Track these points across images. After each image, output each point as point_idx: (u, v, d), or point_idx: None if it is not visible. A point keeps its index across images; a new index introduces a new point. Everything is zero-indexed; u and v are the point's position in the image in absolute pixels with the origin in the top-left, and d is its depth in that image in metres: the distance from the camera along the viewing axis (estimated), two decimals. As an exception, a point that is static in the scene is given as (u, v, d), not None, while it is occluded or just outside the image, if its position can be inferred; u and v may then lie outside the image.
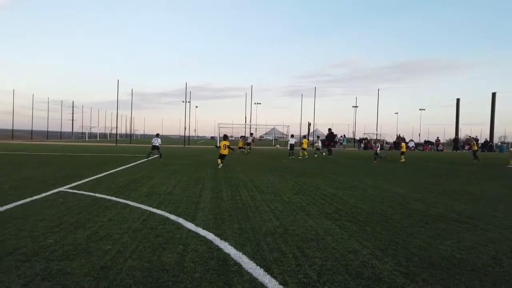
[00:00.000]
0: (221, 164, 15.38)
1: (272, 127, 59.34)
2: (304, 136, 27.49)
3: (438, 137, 54.97)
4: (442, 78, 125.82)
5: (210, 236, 4.93)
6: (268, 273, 3.64)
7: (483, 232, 5.60)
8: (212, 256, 4.13)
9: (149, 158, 19.75)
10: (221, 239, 4.77)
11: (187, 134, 46.78)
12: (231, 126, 50.02)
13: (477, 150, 26.99)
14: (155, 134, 21.02)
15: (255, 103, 59.58)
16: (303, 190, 9.47)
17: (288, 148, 24.53)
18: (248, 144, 29.46)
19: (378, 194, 9.15)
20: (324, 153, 27.90)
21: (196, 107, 75.37)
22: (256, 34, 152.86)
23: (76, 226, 5.32)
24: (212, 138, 75.66)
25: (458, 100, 58.80)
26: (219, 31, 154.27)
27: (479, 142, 52.34)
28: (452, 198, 8.79)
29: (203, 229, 5.29)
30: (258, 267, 3.80)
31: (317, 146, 29.57)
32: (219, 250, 4.35)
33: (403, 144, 26.02)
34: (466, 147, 51.96)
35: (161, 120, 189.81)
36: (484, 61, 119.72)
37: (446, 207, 7.54)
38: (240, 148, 27.80)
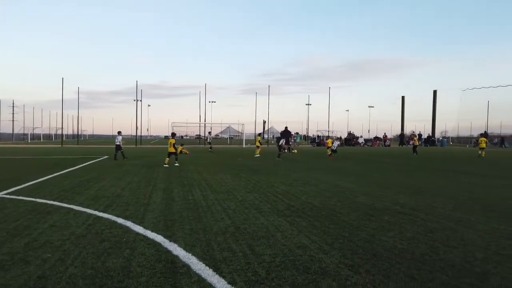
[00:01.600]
0: (166, 165, 15.31)
1: (228, 125, 59.23)
2: (259, 134, 27.49)
3: (385, 133, 57.70)
4: (389, 76, 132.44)
5: (158, 238, 4.82)
6: (217, 273, 3.62)
7: (423, 222, 5.94)
8: (160, 259, 4.03)
9: (127, 158, 19.31)
10: (170, 241, 4.68)
11: (139, 133, 45.45)
12: (186, 125, 49.29)
13: (417, 145, 29.00)
14: (116, 132, 20.65)
15: (209, 102, 59.16)
16: (257, 188, 9.54)
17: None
18: (209, 143, 29.82)
19: (328, 189, 9.41)
20: (293, 151, 27.60)
21: (149, 105, 73.22)
22: (212, 32, 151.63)
23: (13, 234, 4.97)
24: (166, 137, 74.07)
25: (403, 97, 62.03)
26: (174, 28, 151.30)
27: (422, 137, 55.64)
28: (397, 191, 9.25)
29: (152, 231, 5.16)
30: (207, 268, 3.77)
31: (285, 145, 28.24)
32: (168, 252, 4.26)
33: (329, 141, 25.43)
34: (411, 142, 54.99)
35: (111, 120, 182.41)
36: (426, 61, 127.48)
37: (391, 200, 7.91)
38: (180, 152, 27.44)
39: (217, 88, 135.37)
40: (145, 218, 5.97)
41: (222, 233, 5.11)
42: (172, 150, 15.79)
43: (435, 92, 58.86)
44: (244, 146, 40.37)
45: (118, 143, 19.62)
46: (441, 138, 59.53)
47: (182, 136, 35.30)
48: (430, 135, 57.75)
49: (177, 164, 15.52)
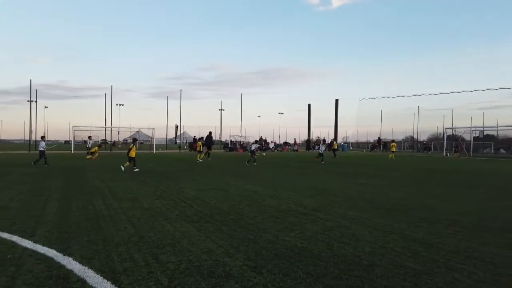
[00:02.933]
0: (123, 167, 15.87)
1: (137, 129, 56.62)
2: (200, 139, 26.44)
3: (295, 139, 60.85)
4: (298, 85, 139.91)
5: (51, 253, 4.40)
6: (115, 285, 3.44)
7: (323, 222, 6.39)
8: (51, 275, 3.69)
9: (48, 165, 17.53)
10: (64, 255, 4.30)
11: (33, 138, 40.95)
12: (90, 129, 45.74)
13: (336, 148, 32.12)
14: (40, 137, 19.12)
15: (117, 104, 56.00)
16: (165, 194, 9.29)
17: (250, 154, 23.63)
18: (88, 148, 28.09)
19: (238, 193, 9.58)
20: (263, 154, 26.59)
21: (46, 107, 66.62)
22: (118, 32, 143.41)
23: None
24: (67, 142, 67.91)
25: (309, 105, 66.06)
26: (75, 25, 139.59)
27: (326, 142, 59.82)
28: (301, 193, 9.80)
29: (43, 245, 4.69)
30: (105, 280, 3.56)
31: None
32: (61, 267, 3.92)
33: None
34: (316, 147, 58.72)
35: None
36: (330, 71, 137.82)
37: (295, 202, 8.35)
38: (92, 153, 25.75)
39: (125, 91, 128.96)
40: (36, 232, 5.40)
41: (124, 243, 4.87)
42: (133, 155, 16.25)
43: (337, 100, 63.80)
44: (154, 151, 39.00)
45: (42, 149, 18.12)
46: (342, 143, 64.58)
47: (85, 141, 32.30)
48: (333, 140, 62.35)
49: (136, 169, 15.77)
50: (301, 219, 6.58)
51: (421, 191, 10.78)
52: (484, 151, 51.66)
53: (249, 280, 3.62)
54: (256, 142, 25.39)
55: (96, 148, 26.38)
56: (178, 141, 58.06)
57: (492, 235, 5.57)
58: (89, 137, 30.57)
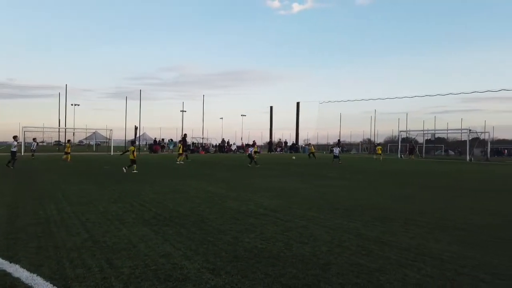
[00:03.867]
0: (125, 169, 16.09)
1: (94, 131, 54.52)
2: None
3: (254, 141, 61.09)
4: (260, 87, 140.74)
5: (-5, 260, 4.13)
6: (66, 293, 3.29)
7: (282, 222, 6.47)
8: (-6, 284, 3.47)
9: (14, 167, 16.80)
10: (10, 262, 4.06)
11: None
12: (42, 130, 43.61)
13: (313, 152, 34.47)
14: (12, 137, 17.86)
15: (72, 104, 53.74)
16: (122, 197, 9.01)
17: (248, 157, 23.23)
18: (33, 150, 26.76)
19: (198, 195, 9.48)
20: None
21: (-6, 107, 62.63)
22: (73, 28, 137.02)
23: None
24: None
25: (271, 107, 66.75)
26: (23, 18, 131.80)
27: (288, 144, 60.71)
28: (262, 194, 9.87)
29: (-13, 253, 4.40)
30: (55, 288, 3.39)
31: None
32: (7, 275, 3.69)
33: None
34: (278, 149, 59.45)
35: None
36: (292, 74, 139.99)
37: (256, 204, 8.39)
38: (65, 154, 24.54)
39: (81, 90, 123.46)
40: (-21, 239, 5.05)
41: (76, 248, 4.67)
42: (132, 157, 16.40)
43: (298, 103, 64.93)
44: (112, 153, 37.74)
45: (14, 150, 17.36)
46: (304, 145, 65.76)
47: (37, 143, 30.47)
48: (295, 142, 63.35)
49: (135, 171, 15.86)
50: (261, 220, 6.62)
51: (377, 191, 11.20)
52: (435, 153, 54.58)
53: (206, 282, 3.59)
54: (254, 144, 25.05)
55: (69, 147, 25.55)
56: (137, 142, 56.52)
57: (442, 233, 5.89)
58: (34, 139, 28.93)
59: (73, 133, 46.08)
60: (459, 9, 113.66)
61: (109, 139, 42.72)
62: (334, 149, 29.83)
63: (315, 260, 4.36)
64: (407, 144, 48.40)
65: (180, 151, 24.82)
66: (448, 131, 51.19)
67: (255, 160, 22.32)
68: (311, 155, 34.12)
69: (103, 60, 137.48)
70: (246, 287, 3.51)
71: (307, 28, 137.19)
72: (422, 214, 7.47)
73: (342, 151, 53.42)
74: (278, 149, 59.99)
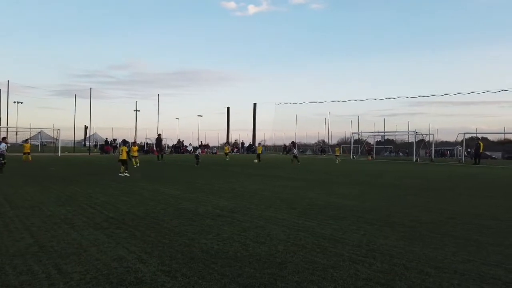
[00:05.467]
0: (126, 173, 15.04)
1: (39, 130, 51.40)
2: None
3: (203, 142, 60.76)
4: (217, 87, 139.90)
5: None
6: (9, 302, 3.08)
7: (239, 223, 6.47)
8: None
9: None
10: None
11: None
12: (-19, 129, 40.38)
13: (260, 153, 32.68)
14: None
15: (14, 102, 50.42)
16: (71, 200, 8.58)
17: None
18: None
19: (153, 197, 9.25)
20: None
21: None
22: (16, 20, 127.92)
23: None
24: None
25: (228, 108, 66.79)
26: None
27: (245, 145, 60.90)
28: (219, 196, 9.82)
29: None
30: (-4, 297, 3.16)
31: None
32: None
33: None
34: (235, 150, 59.49)
35: None
36: (249, 76, 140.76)
37: (213, 205, 8.33)
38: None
39: (24, 87, 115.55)
40: None
41: (20, 254, 4.38)
42: (124, 157, 15.26)
43: (255, 104, 65.51)
44: (60, 154, 35.82)
45: (3, 151, 15.81)
46: (290, 146, 66.33)
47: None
48: (251, 143, 63.71)
49: (127, 174, 14.91)
50: (218, 221, 6.58)
51: (331, 191, 11.53)
52: (385, 154, 57.21)
53: (162, 285, 3.52)
54: (260, 143, 25.60)
55: (28, 147, 24.53)
56: (87, 143, 54.07)
57: (391, 230, 6.18)
58: (27, 140, 27.09)
59: (16, 132, 43.20)
60: (405, 13, 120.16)
61: (56, 139, 40.47)
62: (293, 150, 31.22)
63: (271, 259, 4.41)
64: (364, 145, 50.39)
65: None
66: (397, 133, 53.92)
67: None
68: (259, 156, 31.10)
69: (49, 56, 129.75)
70: (203, 289, 3.48)
71: (262, 30, 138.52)
72: (371, 212, 7.79)
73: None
74: (235, 150, 60.02)
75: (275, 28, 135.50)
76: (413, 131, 42.80)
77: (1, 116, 41.02)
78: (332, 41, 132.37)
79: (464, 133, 39.15)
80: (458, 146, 48.64)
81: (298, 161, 27.75)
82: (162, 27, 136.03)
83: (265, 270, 4.00)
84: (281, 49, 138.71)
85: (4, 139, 17.11)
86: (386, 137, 62.43)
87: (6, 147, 16.44)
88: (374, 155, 46.45)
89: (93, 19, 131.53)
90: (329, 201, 9.33)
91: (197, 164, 22.68)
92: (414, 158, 39.05)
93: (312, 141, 71.17)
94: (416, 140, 42.41)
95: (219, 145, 72.32)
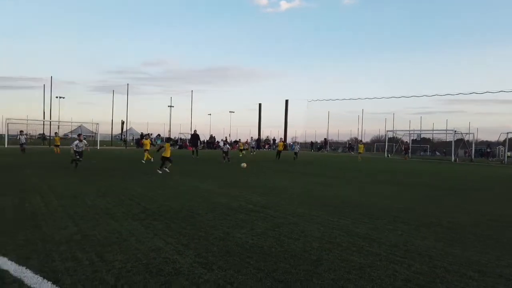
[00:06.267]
0: (166, 169, 14.40)
1: (79, 124, 53.62)
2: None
3: (235, 139, 61.16)
4: (248, 84, 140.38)
5: (-19, 253, 4.05)
6: (57, 285, 3.25)
7: (272, 218, 6.48)
8: (-18, 277, 3.39)
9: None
10: (-2, 255, 3.98)
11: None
12: (26, 123, 42.68)
13: (281, 151, 31.46)
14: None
15: (57, 97, 52.79)
16: (110, 191, 8.90)
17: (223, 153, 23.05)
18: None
19: (188, 191, 9.43)
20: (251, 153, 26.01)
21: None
22: (58, 19, 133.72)
23: None
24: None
25: (260, 104, 66.77)
26: (8, 9, 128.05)
27: (276, 142, 60.73)
28: (252, 191, 9.87)
29: (-27, 245, 4.30)
30: (45, 281, 3.35)
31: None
32: (-6, 268, 3.62)
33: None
34: (266, 147, 59.59)
35: None
36: (280, 72, 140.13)
37: (245, 200, 8.39)
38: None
39: (66, 83, 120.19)
40: (-36, 231, 4.94)
41: (65, 241, 4.60)
42: (167, 154, 14.59)
43: (287, 101, 65.08)
44: (98, 147, 37.27)
45: (81, 148, 15.34)
46: (291, 143, 66.04)
47: (25, 135, 29.68)
48: (283, 140, 63.55)
49: (167, 170, 14.28)
50: (251, 216, 6.62)
51: (364, 189, 11.31)
52: (421, 153, 55.39)
53: (199, 277, 3.58)
54: (281, 139, 25.41)
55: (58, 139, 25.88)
56: (124, 137, 55.89)
57: (428, 230, 5.99)
58: (21, 131, 27.91)
59: (58, 126, 45.19)
60: (449, 9, 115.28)
61: (95, 133, 42.12)
62: (295, 146, 30.55)
63: (306, 256, 4.38)
64: (399, 144, 49.02)
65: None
66: (434, 132, 52.02)
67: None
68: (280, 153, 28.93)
69: (87, 53, 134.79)
70: (239, 282, 3.51)
71: (295, 27, 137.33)
72: (407, 212, 7.57)
73: (328, 149, 53.85)
74: (266, 147, 60.11)
75: (307, 24, 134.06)
76: (452, 130, 41.16)
77: (44, 111, 43.10)
78: (365, 37, 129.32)
79: (507, 133, 37.18)
80: (500, 146, 46.23)
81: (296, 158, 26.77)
82: (194, 24, 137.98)
83: (300, 267, 3.99)
84: (313, 45, 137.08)
85: (79, 136, 16.26)
86: (422, 136, 60.38)
87: (83, 145, 15.55)
88: (409, 154, 45.10)
89: (126, 17, 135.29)
90: (362, 199, 9.15)
91: (224, 159, 22.29)
92: (453, 158, 37.57)
93: (345, 138, 70.00)
94: (455, 139, 40.74)
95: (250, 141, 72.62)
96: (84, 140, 15.88)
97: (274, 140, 65.41)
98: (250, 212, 6.95)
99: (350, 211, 7.47)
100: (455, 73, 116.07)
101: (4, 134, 36.40)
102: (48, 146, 37.30)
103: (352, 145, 59.57)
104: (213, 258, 4.15)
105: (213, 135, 56.77)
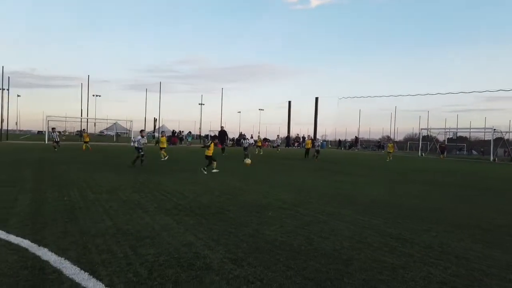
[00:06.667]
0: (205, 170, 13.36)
1: (114, 121, 55.45)
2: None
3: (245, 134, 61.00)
4: (278, 82, 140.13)
5: (25, 243, 4.27)
6: (93, 276, 3.37)
7: (302, 216, 6.45)
8: (25, 265, 3.58)
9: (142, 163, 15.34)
10: (39, 246, 4.18)
11: (4, 127, 39.62)
12: (65, 120, 44.73)
13: (309, 148, 30.49)
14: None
15: (93, 95, 54.74)
16: (144, 187, 9.15)
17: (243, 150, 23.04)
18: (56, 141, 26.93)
19: (218, 187, 9.54)
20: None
21: (18, 96, 64.47)
22: (90, 20, 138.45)
23: None
24: (40, 132, 65.88)
25: (289, 102, 66.43)
26: (45, 9, 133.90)
27: (306, 140, 60.29)
28: (281, 189, 9.85)
29: (17, 236, 4.54)
30: (83, 271, 3.48)
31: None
32: (36, 258, 3.81)
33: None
34: (296, 144, 59.25)
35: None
36: (309, 69, 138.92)
37: (274, 197, 8.39)
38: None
39: (101, 81, 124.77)
40: (9, 222, 5.22)
41: (101, 234, 4.77)
42: (210, 153, 13.88)
43: (316, 99, 64.40)
44: (132, 144, 38.34)
45: (142, 144, 15.28)
46: (321, 140, 65.41)
47: (59, 132, 30.98)
48: (312, 137, 63.00)
49: (216, 170, 13.54)
50: (280, 213, 6.61)
51: (394, 189, 11.03)
52: (457, 152, 53.35)
53: (229, 272, 3.62)
54: (310, 136, 24.83)
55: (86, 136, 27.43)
56: (156, 134, 57.32)
57: (464, 232, 5.76)
58: (53, 129, 28.76)
59: (94, 123, 47.04)
60: (486, 4, 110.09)
61: (129, 130, 43.41)
62: (317, 143, 28.61)
63: (336, 255, 4.33)
64: (434, 142, 47.41)
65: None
66: (471, 130, 49.95)
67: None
68: (308, 151, 27.69)
69: (122, 53, 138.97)
70: (269, 279, 3.52)
71: (325, 23, 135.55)
72: (440, 212, 7.31)
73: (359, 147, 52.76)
74: (296, 144, 59.76)
75: (338, 21, 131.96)
76: (490, 128, 39.33)
77: (82, 108, 44.86)
78: (397, 33, 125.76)
79: (552, 131, 35.10)
80: (544, 146, 43.71)
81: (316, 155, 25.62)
82: (223, 22, 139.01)
83: (331, 266, 3.95)
84: (344, 42, 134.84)
85: (142, 131, 15.95)
86: (458, 134, 58.06)
87: (145, 140, 15.35)
88: (445, 154, 43.52)
89: (159, 17, 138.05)
90: (393, 199, 8.92)
91: (245, 156, 19.96)
92: (491, 158, 35.93)
93: (376, 136, 68.49)
94: (494, 138, 38.91)
95: (280, 139, 72.41)
96: (145, 137, 15.52)
97: (303, 138, 64.93)
98: (279, 210, 6.94)
99: (381, 210, 7.30)
100: (494, 70, 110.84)
101: (44, 131, 38.12)
102: (82, 143, 38.76)
103: (382, 143, 58.18)
104: (243, 255, 4.18)
105: (242, 133, 57.09)
